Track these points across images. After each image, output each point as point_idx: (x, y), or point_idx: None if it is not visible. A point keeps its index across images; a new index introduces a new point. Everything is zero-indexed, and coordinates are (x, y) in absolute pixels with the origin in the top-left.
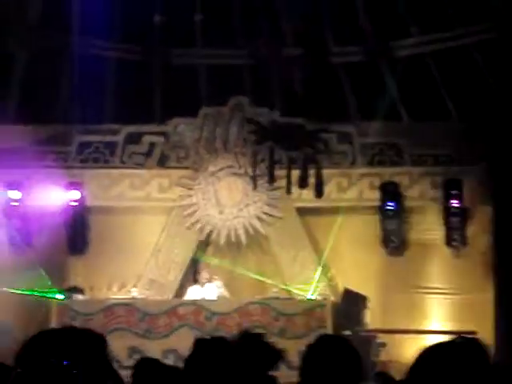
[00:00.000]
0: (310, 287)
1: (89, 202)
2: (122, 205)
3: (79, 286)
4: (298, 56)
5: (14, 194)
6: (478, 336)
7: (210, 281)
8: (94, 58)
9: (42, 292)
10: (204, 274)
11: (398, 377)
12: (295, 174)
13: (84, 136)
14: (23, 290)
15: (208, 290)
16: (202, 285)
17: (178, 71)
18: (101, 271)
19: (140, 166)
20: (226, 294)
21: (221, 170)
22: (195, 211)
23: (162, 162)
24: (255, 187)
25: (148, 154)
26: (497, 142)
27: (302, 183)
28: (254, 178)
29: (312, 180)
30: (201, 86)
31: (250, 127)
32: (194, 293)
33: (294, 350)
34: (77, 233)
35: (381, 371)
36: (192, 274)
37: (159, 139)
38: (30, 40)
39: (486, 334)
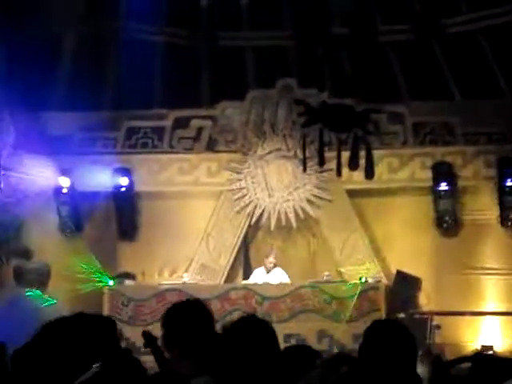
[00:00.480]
0: (363, 270)
1: (138, 188)
2: (171, 190)
3: (130, 271)
4: (346, 36)
5: (64, 181)
6: None
7: (275, 266)
8: (141, 43)
9: (94, 278)
10: (270, 259)
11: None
12: (345, 155)
13: (132, 121)
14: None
15: (274, 276)
16: (268, 270)
17: (224, 54)
18: (151, 257)
19: (188, 150)
20: (288, 280)
21: (269, 153)
22: (244, 195)
23: (211, 146)
24: (305, 170)
25: (196, 139)
26: None
27: (352, 165)
28: (303, 161)
29: (362, 161)
30: (248, 69)
31: (298, 109)
32: (258, 276)
33: (347, 333)
34: (126, 218)
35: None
36: (242, 258)
37: (207, 123)
38: (77, 26)
39: None
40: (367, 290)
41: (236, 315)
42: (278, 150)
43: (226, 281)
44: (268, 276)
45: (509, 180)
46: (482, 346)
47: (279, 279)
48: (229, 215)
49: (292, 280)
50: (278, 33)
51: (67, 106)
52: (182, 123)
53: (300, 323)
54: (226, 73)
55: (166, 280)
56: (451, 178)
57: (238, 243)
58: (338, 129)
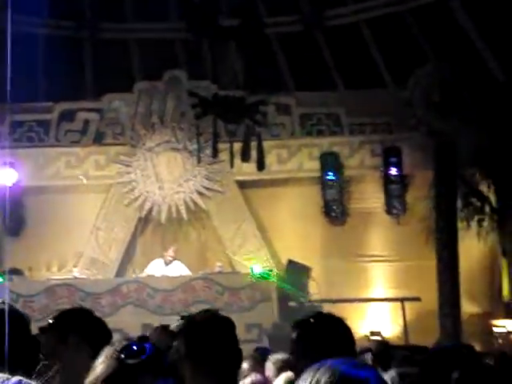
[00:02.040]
0: (254, 260)
1: (24, 182)
2: (59, 184)
3: (18, 267)
4: (234, 27)
5: None
6: (422, 301)
7: (175, 259)
8: (24, 35)
9: None
10: (170, 253)
11: None
12: (236, 147)
13: (16, 115)
14: None
15: (173, 268)
16: (168, 262)
17: (109, 46)
18: (39, 252)
19: (75, 143)
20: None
21: (158, 145)
22: (134, 188)
23: (98, 139)
24: (199, 161)
25: (83, 132)
26: (434, 107)
27: (244, 156)
28: (198, 152)
29: (253, 153)
30: (134, 61)
31: (191, 100)
32: (156, 268)
33: (240, 323)
34: (12, 214)
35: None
36: (132, 252)
37: (94, 116)
38: None
39: (430, 299)
40: (258, 280)
41: (129, 308)
42: (168, 142)
43: (117, 275)
44: (167, 268)
45: (393, 169)
46: (371, 332)
47: (179, 272)
48: (118, 208)
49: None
50: (164, 25)
51: None
52: (67, 116)
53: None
54: (111, 65)
55: (55, 275)
56: (338, 168)
57: (129, 237)
58: (230, 120)
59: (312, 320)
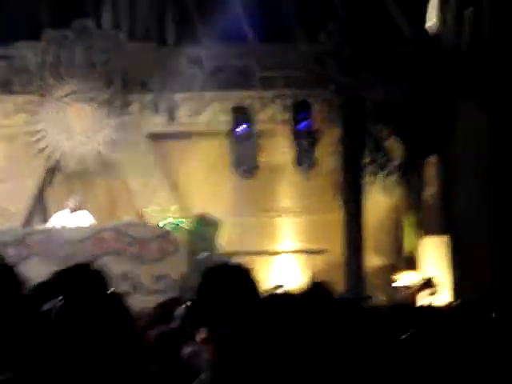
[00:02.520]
0: (164, 212)
1: None
2: None
3: None
4: None
5: None
6: (329, 254)
7: (78, 208)
8: None
9: None
10: (71, 202)
11: None
12: (147, 99)
13: None
14: None
15: (79, 218)
16: (72, 211)
17: None
18: None
19: None
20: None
21: (67, 95)
22: (42, 138)
23: (6, 87)
24: (109, 112)
25: None
26: (344, 63)
27: (154, 108)
28: (108, 103)
29: (164, 105)
30: (42, 9)
31: (103, 49)
32: (61, 219)
33: (149, 274)
34: None
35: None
36: (40, 202)
37: (1, 64)
38: None
39: (336, 252)
40: (168, 232)
41: (35, 259)
42: (77, 92)
43: (24, 225)
44: (71, 217)
45: (303, 123)
46: (275, 286)
47: (84, 222)
48: (25, 158)
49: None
50: None
51: None
52: None
53: (102, 267)
54: (20, 13)
55: None
56: (249, 122)
57: (37, 187)
58: (141, 72)
59: (217, 269)
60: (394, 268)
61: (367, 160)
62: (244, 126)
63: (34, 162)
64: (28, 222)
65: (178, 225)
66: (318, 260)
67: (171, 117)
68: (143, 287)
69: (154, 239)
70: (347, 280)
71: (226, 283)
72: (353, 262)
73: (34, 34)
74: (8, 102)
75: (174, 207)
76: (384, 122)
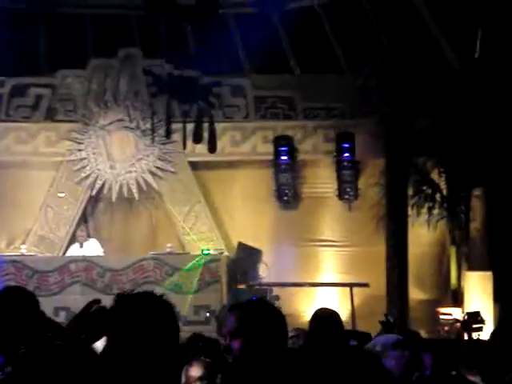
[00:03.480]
0: (204, 241)
1: None
2: (8, 159)
3: None
4: (190, 7)
5: None
6: (370, 287)
7: (86, 239)
8: None
9: None
10: (80, 232)
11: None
12: (189, 127)
13: None
14: None
15: (87, 248)
16: (81, 243)
17: (64, 21)
18: None
19: (26, 119)
20: (102, 253)
21: (111, 123)
22: (85, 166)
23: (50, 115)
24: (153, 141)
25: (35, 107)
26: (388, 94)
27: (196, 137)
28: (152, 131)
29: (205, 134)
30: (88, 37)
31: (146, 79)
32: (73, 252)
33: (188, 304)
34: None
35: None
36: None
37: (46, 91)
38: None
39: (378, 285)
40: (209, 262)
41: (76, 287)
42: (121, 120)
43: (65, 253)
44: (82, 250)
45: (346, 154)
46: None
47: (92, 251)
48: (69, 186)
49: (134, 252)
50: (120, 1)
51: None
52: (20, 91)
53: None
54: (65, 41)
55: (3, 251)
56: (291, 152)
57: (78, 215)
58: (184, 100)
59: (248, 304)
60: (438, 302)
61: (411, 192)
62: (286, 156)
63: (77, 190)
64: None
65: (218, 254)
66: (360, 293)
67: (213, 146)
68: (182, 317)
69: (194, 269)
70: (389, 314)
71: (254, 319)
72: (395, 296)
73: (79, 63)
74: (52, 130)
75: (214, 236)
76: (429, 153)
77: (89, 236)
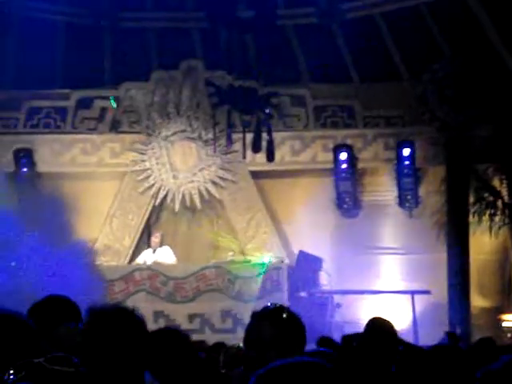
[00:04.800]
0: (265, 250)
1: (40, 169)
2: (74, 170)
3: None
4: (250, 18)
5: None
6: (432, 294)
7: (160, 245)
8: (43, 22)
9: None
10: (154, 239)
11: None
12: (248, 137)
13: (34, 101)
14: None
15: (160, 255)
16: (154, 249)
17: (128, 35)
18: None
19: (92, 130)
20: (174, 261)
21: (174, 134)
22: (149, 176)
23: (114, 127)
24: (215, 150)
25: (100, 119)
26: (448, 101)
27: (255, 147)
28: (214, 142)
29: (266, 144)
30: (151, 50)
31: (208, 90)
32: (145, 257)
33: (250, 312)
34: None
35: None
36: (146, 239)
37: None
38: None
39: (440, 292)
40: (270, 270)
41: (141, 295)
42: (183, 131)
43: (130, 262)
44: (155, 255)
45: (407, 162)
46: None
47: (164, 258)
48: (133, 196)
49: (197, 261)
50: (182, 14)
51: None
52: (85, 103)
53: (204, 303)
54: (129, 54)
55: None
56: (351, 160)
57: (142, 224)
58: (244, 111)
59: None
60: (501, 309)
61: (472, 199)
62: (346, 164)
63: (142, 199)
64: (133, 259)
65: (279, 262)
66: (421, 300)
67: (271, 155)
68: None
69: (255, 277)
70: (451, 321)
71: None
72: (457, 303)
73: (142, 75)
74: (116, 141)
75: (275, 245)
76: (489, 160)
77: (161, 244)
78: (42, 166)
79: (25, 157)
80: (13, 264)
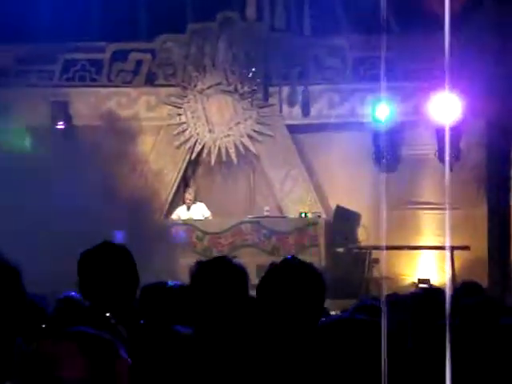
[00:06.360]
0: (303, 205)
1: (75, 122)
2: (110, 125)
3: None
4: None
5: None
6: (471, 250)
7: (194, 202)
8: None
9: None
10: (188, 196)
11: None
12: (285, 91)
13: (69, 54)
14: None
15: (194, 211)
16: (188, 206)
17: None
18: None
19: (127, 84)
20: (210, 216)
21: (210, 87)
22: (184, 130)
23: (150, 80)
24: (252, 104)
25: (135, 72)
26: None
27: (291, 100)
28: (251, 94)
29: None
30: (187, 2)
31: (245, 41)
32: (180, 214)
33: None
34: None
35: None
36: (182, 194)
37: (146, 56)
38: None
39: (479, 248)
40: (307, 225)
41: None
42: (219, 84)
43: (167, 216)
44: (189, 213)
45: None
46: (419, 280)
47: (200, 215)
48: (168, 150)
49: (233, 216)
50: None
51: (0, 38)
52: (120, 56)
53: (240, 258)
54: (164, 6)
55: None
56: (390, 114)
57: (178, 179)
58: (281, 63)
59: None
60: None
61: None
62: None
63: (177, 154)
64: (169, 214)
65: (316, 218)
66: (461, 256)
67: (307, 109)
68: None
69: (291, 232)
70: (491, 277)
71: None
72: (497, 259)
73: (178, 27)
74: (152, 94)
75: (312, 200)
76: None
77: (196, 199)
78: (78, 120)
79: (61, 110)
80: None
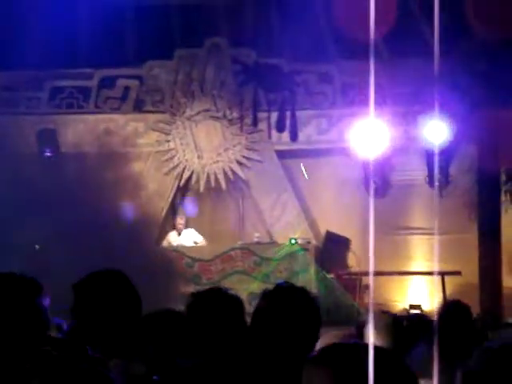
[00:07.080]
0: (293, 231)
1: (63, 149)
2: (97, 151)
3: None
4: None
5: None
6: (463, 275)
7: (184, 228)
8: (65, 1)
9: None
10: (179, 220)
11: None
12: (273, 116)
13: (56, 81)
14: None
15: (185, 237)
16: (179, 231)
17: (150, 12)
18: None
19: (115, 110)
20: (203, 241)
21: (198, 113)
22: (173, 156)
23: (138, 107)
24: (242, 129)
25: (123, 99)
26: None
27: (280, 126)
28: (241, 120)
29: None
30: (175, 28)
31: (233, 68)
32: (171, 240)
33: None
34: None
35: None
36: (171, 220)
37: (134, 83)
38: None
39: (470, 273)
40: (297, 251)
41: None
42: (207, 110)
43: (157, 243)
44: (180, 238)
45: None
46: (410, 306)
47: (191, 240)
48: (157, 177)
49: (222, 242)
50: None
51: None
52: (108, 83)
53: (230, 285)
54: (152, 32)
55: None
56: (378, 139)
57: (167, 205)
58: (269, 89)
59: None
60: None
61: (504, 178)
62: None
63: (166, 180)
64: (158, 240)
65: (306, 243)
66: (452, 281)
67: (294, 135)
68: None
69: (282, 259)
70: (482, 302)
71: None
72: (488, 284)
73: (165, 53)
74: (140, 121)
75: (302, 225)
76: None
77: (186, 226)
78: (66, 147)
79: (48, 138)
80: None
